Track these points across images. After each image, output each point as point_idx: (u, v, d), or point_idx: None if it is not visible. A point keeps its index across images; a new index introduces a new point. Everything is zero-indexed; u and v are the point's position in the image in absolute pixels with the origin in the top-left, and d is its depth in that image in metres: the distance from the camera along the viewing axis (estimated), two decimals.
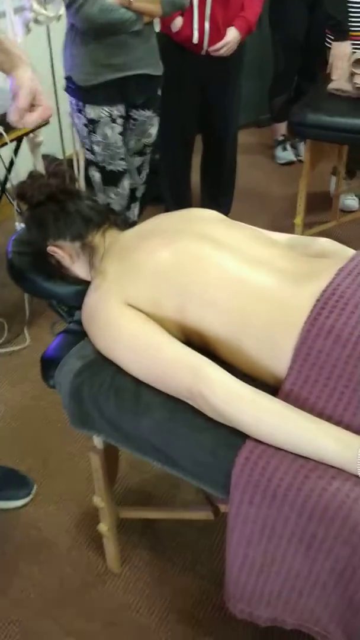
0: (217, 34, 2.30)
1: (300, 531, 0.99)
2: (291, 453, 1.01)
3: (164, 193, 2.77)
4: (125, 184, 2.17)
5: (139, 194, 2.33)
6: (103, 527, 1.49)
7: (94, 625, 1.46)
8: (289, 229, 2.42)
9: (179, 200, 2.75)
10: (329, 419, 1.02)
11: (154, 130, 2.19)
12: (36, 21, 2.23)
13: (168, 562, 1.59)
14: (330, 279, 1.09)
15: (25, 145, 2.34)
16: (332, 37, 2.44)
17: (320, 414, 1.03)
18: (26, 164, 2.27)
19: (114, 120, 2.02)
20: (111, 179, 2.12)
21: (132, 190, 2.29)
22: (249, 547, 1.06)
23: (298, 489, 0.97)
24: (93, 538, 1.64)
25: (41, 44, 2.39)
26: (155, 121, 2.17)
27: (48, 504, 1.74)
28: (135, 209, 2.36)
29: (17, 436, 1.94)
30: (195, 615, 1.48)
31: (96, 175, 2.12)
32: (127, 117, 2.10)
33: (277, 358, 1.08)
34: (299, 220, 2.55)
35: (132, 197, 2.30)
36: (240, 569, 1.08)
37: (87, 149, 2.09)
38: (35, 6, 2.17)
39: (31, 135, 2.29)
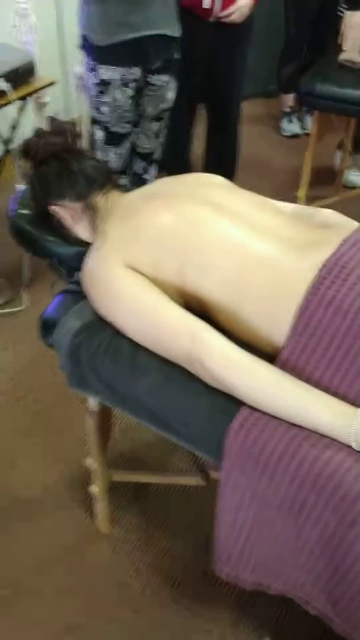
0: None
1: (290, 498, 1.01)
2: (285, 422, 1.01)
3: (165, 158, 2.74)
4: (127, 145, 2.16)
5: (156, 156, 2.33)
6: (95, 488, 1.50)
7: (82, 583, 1.49)
8: (291, 201, 2.40)
9: (179, 166, 2.72)
10: (325, 389, 1.03)
11: (171, 95, 2.16)
12: None
13: (157, 526, 1.61)
14: (334, 249, 1.09)
15: (30, 106, 2.30)
16: (346, 6, 2.39)
17: (316, 384, 1.03)
18: (31, 125, 2.23)
19: (126, 84, 1.99)
20: (113, 139, 2.11)
21: (149, 154, 2.29)
22: (238, 513, 1.07)
23: (291, 456, 0.98)
24: (84, 499, 1.66)
25: (49, 1, 2.34)
26: (173, 85, 2.14)
27: (41, 463, 1.76)
28: (152, 170, 2.35)
29: (11, 397, 1.95)
30: (180, 579, 1.50)
31: (99, 134, 2.11)
32: (145, 84, 2.07)
33: (276, 327, 1.08)
34: (302, 193, 2.54)
35: (149, 160, 2.30)
36: (228, 533, 1.10)
37: (94, 108, 2.06)
38: None
39: (36, 95, 2.25)
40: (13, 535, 1.59)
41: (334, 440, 0.99)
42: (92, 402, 1.35)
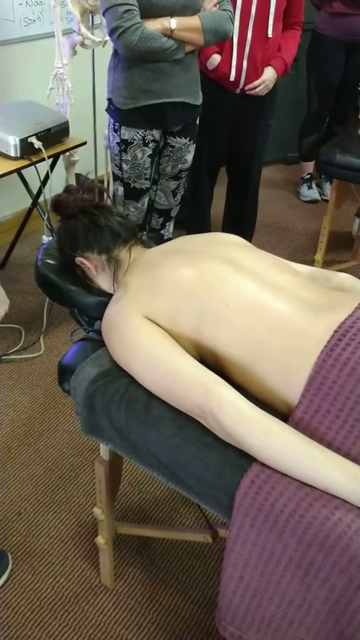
0: (254, 72, 2.36)
1: (298, 558, 1.00)
2: (297, 480, 1.02)
3: (186, 218, 2.83)
4: (145, 200, 2.26)
5: (173, 214, 2.43)
6: (100, 540, 1.49)
7: (82, 638, 1.46)
8: (308, 264, 2.46)
9: (199, 225, 2.81)
10: (337, 450, 1.03)
11: (189, 157, 2.26)
12: (83, 45, 2.31)
13: (161, 583, 1.59)
14: (350, 312, 1.11)
15: (60, 162, 2.42)
16: None
17: (329, 445, 1.04)
18: (59, 180, 2.34)
19: (145, 144, 2.09)
20: (133, 194, 2.22)
21: (167, 210, 2.39)
22: (245, 570, 1.06)
23: (301, 516, 0.98)
24: (88, 551, 1.64)
25: (86, 67, 2.48)
26: (192, 148, 2.25)
27: (47, 513, 1.75)
28: (170, 227, 2.47)
29: (22, 443, 1.96)
30: (183, 638, 1.47)
31: (120, 189, 2.22)
32: (164, 144, 2.17)
33: (290, 385, 1.10)
34: (319, 256, 2.59)
35: (167, 216, 2.41)
36: (234, 591, 1.08)
37: (116, 165, 2.18)
38: (83, 30, 2.26)
39: (67, 153, 2.37)
40: (14, 583, 1.57)
41: (344, 501, 0.99)
42: (104, 451, 1.36)
